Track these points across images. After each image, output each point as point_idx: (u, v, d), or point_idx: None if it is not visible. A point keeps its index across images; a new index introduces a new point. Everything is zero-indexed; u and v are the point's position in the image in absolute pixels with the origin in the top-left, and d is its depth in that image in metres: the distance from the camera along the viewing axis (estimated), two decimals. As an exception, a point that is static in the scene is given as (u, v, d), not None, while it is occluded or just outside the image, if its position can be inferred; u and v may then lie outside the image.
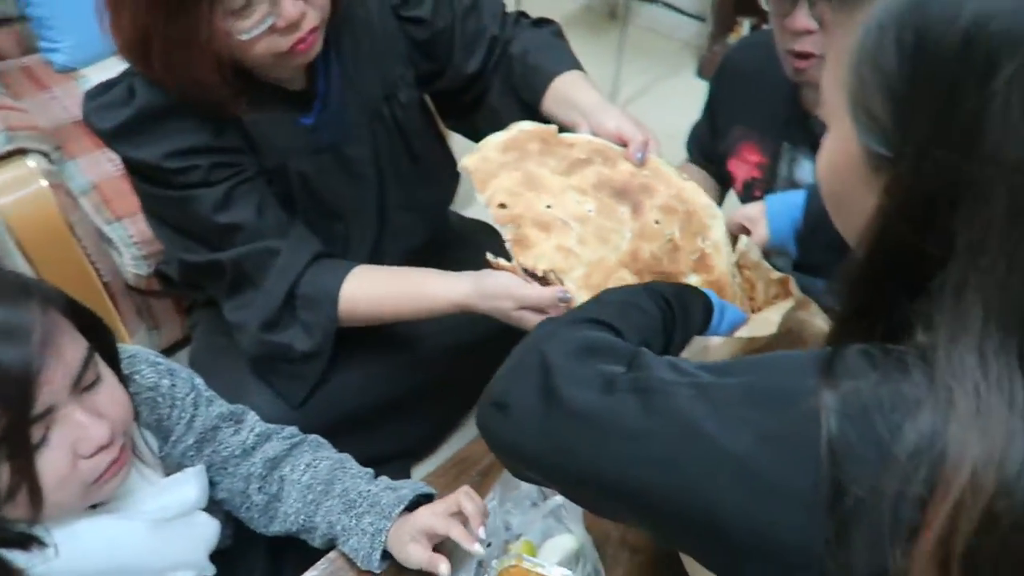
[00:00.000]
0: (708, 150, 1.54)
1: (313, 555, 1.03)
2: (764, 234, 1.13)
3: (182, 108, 1.11)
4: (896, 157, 0.53)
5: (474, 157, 1.16)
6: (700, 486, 0.55)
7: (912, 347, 0.52)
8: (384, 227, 1.38)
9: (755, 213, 1.17)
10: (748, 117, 1.42)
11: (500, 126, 1.20)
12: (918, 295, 0.52)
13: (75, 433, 0.77)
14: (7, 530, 0.78)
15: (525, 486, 1.04)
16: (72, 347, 0.77)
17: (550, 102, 1.28)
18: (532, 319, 1.07)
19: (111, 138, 1.12)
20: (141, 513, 0.88)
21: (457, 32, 1.32)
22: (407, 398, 1.44)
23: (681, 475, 0.56)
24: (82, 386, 0.78)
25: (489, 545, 1.00)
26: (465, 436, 1.67)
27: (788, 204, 1.12)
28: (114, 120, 1.11)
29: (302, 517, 1.03)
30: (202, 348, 1.45)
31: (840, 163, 0.59)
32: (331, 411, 1.31)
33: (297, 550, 1.07)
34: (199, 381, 1.06)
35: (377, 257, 1.36)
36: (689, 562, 0.91)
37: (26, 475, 0.73)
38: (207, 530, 0.96)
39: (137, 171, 1.17)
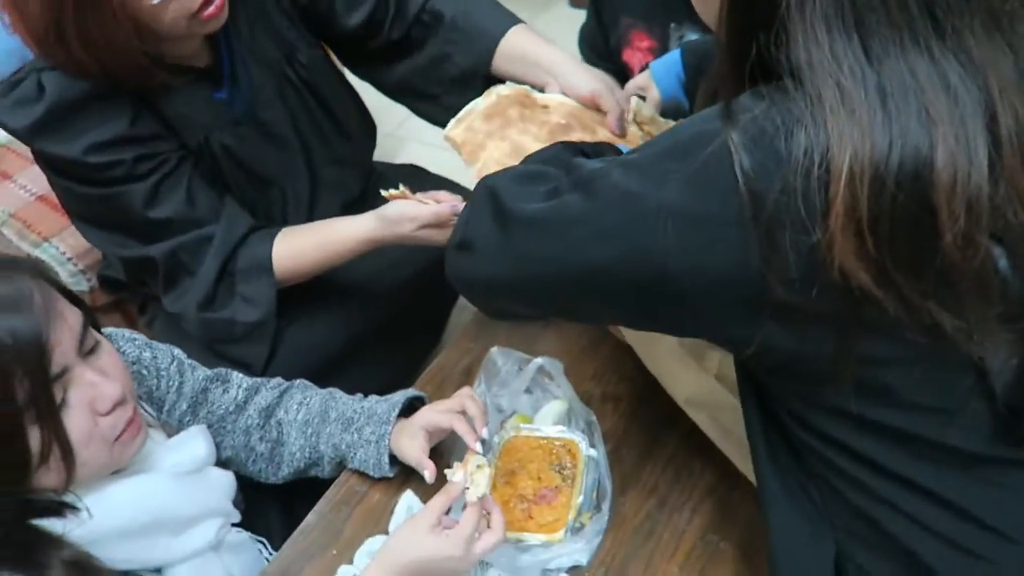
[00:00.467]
0: (600, 48, 1.61)
1: (323, 492, 1.08)
2: (656, 94, 1.21)
3: (97, 98, 1.12)
4: None
5: (458, 128, 1.18)
6: (647, 243, 0.63)
7: (788, 77, 0.60)
8: (316, 185, 1.42)
9: (644, 80, 1.25)
10: (632, 6, 1.50)
11: (429, 86, 1.32)
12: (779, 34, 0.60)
13: (90, 392, 0.80)
14: (41, 499, 0.80)
15: (504, 367, 1.11)
16: (70, 311, 0.80)
17: (503, 61, 1.30)
18: (435, 235, 1.15)
19: (29, 135, 1.12)
20: (155, 469, 0.92)
21: None
22: (367, 341, 1.47)
23: (629, 239, 0.63)
24: (86, 349, 0.81)
25: (488, 426, 1.07)
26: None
27: (669, 63, 1.21)
28: (28, 117, 1.11)
29: (307, 451, 1.08)
30: (163, 341, 1.46)
31: None
32: (298, 368, 1.34)
33: (306, 494, 1.11)
34: (178, 351, 1.10)
35: (316, 215, 1.39)
36: (668, 375, 1.00)
37: (56, 434, 0.76)
38: (224, 480, 1.00)
39: (59, 170, 1.17)
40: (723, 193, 0.59)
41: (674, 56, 1.18)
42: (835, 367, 0.63)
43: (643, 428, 1.07)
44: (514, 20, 1.34)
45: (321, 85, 1.39)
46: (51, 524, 0.80)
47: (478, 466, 0.97)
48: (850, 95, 0.57)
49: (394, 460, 1.05)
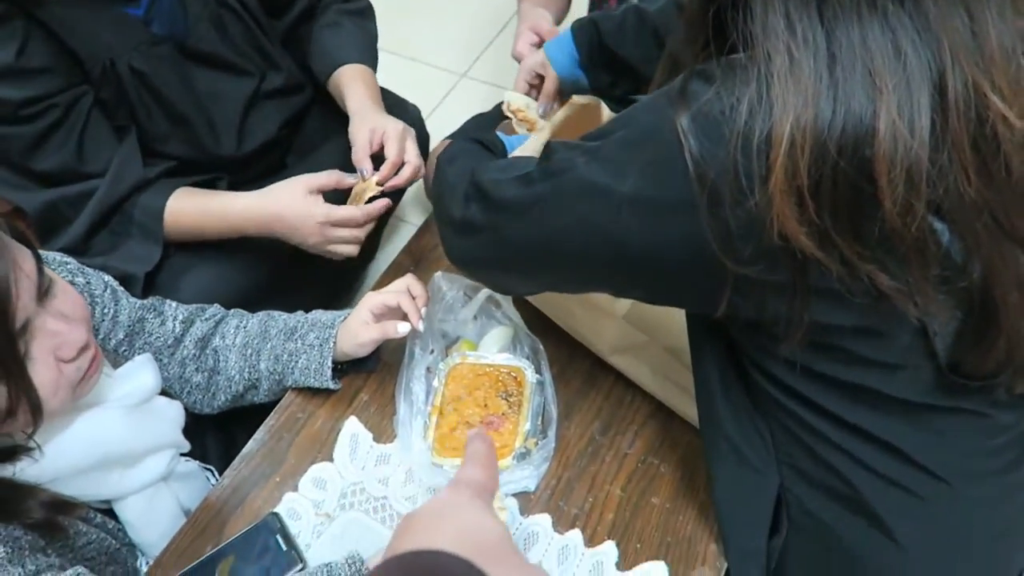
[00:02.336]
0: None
1: (263, 420, 1.05)
2: (554, 74, 1.19)
3: None
4: None
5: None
6: (610, 229, 0.66)
7: (741, 47, 0.60)
8: (248, 115, 1.33)
9: (539, 60, 1.21)
10: None
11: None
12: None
13: (52, 341, 0.75)
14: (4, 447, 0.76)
15: (450, 292, 1.09)
16: (22, 256, 0.73)
17: (332, 88, 1.36)
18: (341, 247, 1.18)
19: None
20: (106, 403, 0.88)
21: None
22: (287, 269, 1.41)
23: (594, 225, 0.67)
24: (41, 293, 0.75)
25: (433, 352, 1.06)
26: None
27: (561, 43, 1.18)
28: None
29: (246, 373, 1.05)
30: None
31: None
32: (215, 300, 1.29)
33: (244, 420, 1.09)
34: (108, 277, 1.03)
35: (244, 147, 1.32)
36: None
37: (25, 390, 0.72)
38: (172, 410, 0.97)
39: None
40: (678, 178, 0.61)
41: (566, 35, 1.16)
42: (788, 330, 0.65)
43: (587, 354, 1.08)
44: (363, 54, 1.35)
45: (259, 9, 1.30)
46: (2, 468, 0.76)
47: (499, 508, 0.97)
48: (799, 63, 0.57)
49: (336, 376, 1.04)
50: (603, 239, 0.67)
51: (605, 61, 1.14)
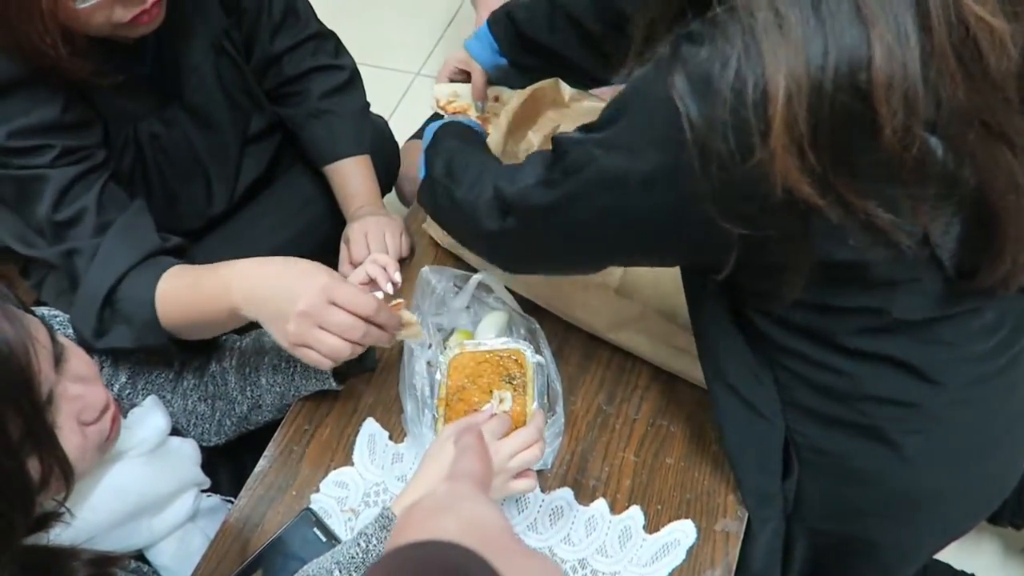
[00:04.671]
0: None
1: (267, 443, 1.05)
2: (479, 68, 1.20)
3: (26, 81, 0.99)
4: None
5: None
6: (639, 207, 0.69)
7: (720, 5, 0.61)
8: (241, 164, 1.33)
9: (462, 57, 1.22)
10: None
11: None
12: None
13: (75, 406, 0.75)
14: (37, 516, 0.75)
15: (440, 284, 1.10)
16: (36, 327, 0.72)
17: (330, 176, 1.35)
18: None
19: None
20: (126, 454, 0.88)
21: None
22: None
23: (624, 208, 0.70)
24: (57, 360, 0.74)
25: (431, 346, 1.07)
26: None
27: (480, 37, 1.19)
28: None
29: (247, 391, 1.04)
30: (62, 304, 1.36)
31: None
32: None
33: (252, 445, 1.08)
34: None
35: (237, 194, 1.33)
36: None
37: (57, 460, 0.71)
38: (187, 447, 0.97)
39: None
40: (687, 145, 0.62)
41: (483, 30, 1.17)
42: (793, 274, 0.67)
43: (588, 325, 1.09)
44: (359, 145, 1.34)
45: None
46: (36, 537, 0.75)
47: (500, 400, 0.99)
48: (784, 15, 0.58)
49: (337, 379, 1.03)
50: (634, 218, 0.70)
51: (526, 48, 1.15)
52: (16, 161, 1.01)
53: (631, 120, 0.68)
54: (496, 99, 1.23)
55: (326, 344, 0.84)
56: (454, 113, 1.20)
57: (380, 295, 0.94)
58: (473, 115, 1.21)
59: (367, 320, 0.86)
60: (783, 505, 0.91)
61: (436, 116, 1.22)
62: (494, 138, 1.11)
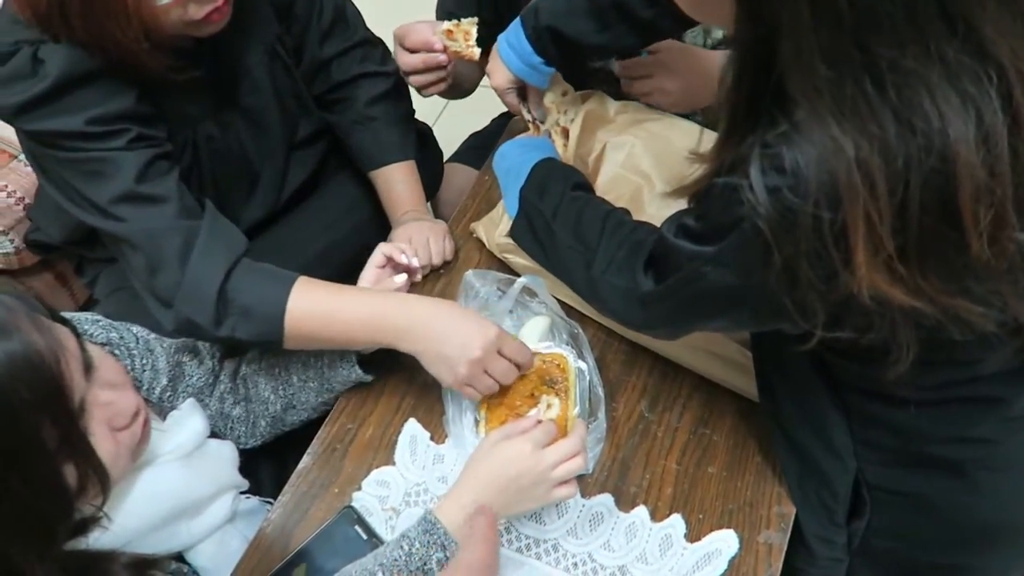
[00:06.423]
0: None
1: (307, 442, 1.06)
2: (535, 88, 1.17)
3: (103, 73, 1.02)
4: None
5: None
6: (743, 312, 0.74)
7: (788, 125, 0.60)
8: (288, 167, 1.35)
9: (512, 78, 1.16)
10: None
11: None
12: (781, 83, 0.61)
13: (106, 412, 0.76)
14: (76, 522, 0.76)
15: (484, 288, 1.10)
16: (65, 336, 0.74)
17: (376, 181, 1.37)
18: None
19: (18, 112, 1.01)
20: (163, 457, 0.89)
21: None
22: None
23: (737, 304, 0.74)
24: (86, 368, 0.76)
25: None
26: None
27: (512, 45, 1.13)
28: (24, 93, 0.99)
29: (280, 391, 1.06)
30: (112, 301, 1.39)
31: None
32: None
33: (294, 446, 1.09)
34: (136, 328, 1.04)
35: (283, 197, 1.36)
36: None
37: (93, 466, 0.73)
38: (225, 449, 0.99)
39: (49, 143, 1.05)
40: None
41: (519, 42, 1.11)
42: (895, 360, 0.67)
43: (625, 334, 1.09)
44: (406, 150, 1.36)
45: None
46: (75, 542, 0.76)
47: (548, 405, 0.99)
48: (861, 123, 0.56)
49: (367, 369, 1.04)
50: (747, 311, 0.74)
51: (575, 53, 1.12)
52: (92, 145, 1.03)
53: (737, 242, 0.67)
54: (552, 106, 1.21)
55: (485, 384, 0.97)
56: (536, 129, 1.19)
57: (404, 277, 1.06)
58: (562, 140, 1.19)
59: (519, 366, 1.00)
60: (847, 543, 0.91)
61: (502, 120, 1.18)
62: (569, 156, 1.14)
